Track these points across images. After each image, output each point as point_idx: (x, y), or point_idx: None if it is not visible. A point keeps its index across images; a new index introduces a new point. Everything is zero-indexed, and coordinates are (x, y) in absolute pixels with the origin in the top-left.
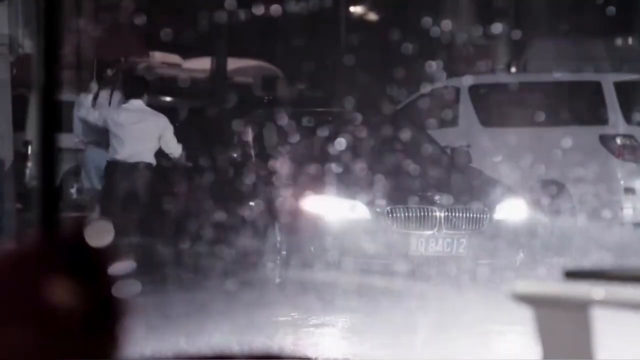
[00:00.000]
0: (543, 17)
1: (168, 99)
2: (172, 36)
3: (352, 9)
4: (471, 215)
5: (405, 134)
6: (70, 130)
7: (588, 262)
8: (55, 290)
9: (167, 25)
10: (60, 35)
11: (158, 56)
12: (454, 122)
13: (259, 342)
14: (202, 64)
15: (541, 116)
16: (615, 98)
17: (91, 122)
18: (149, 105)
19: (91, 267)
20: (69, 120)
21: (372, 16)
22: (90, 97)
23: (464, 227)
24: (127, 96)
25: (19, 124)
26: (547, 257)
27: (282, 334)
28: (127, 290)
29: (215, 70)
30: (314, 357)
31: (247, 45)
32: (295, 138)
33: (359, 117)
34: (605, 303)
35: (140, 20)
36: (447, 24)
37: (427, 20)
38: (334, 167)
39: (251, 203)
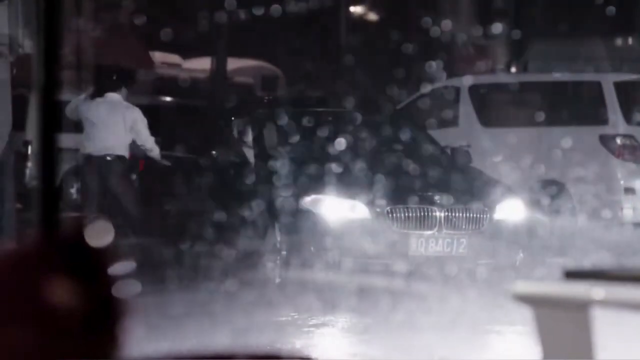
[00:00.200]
0: (543, 17)
1: (168, 98)
2: (172, 36)
3: (352, 9)
4: (471, 215)
5: (405, 134)
6: (70, 130)
7: (588, 262)
8: (55, 290)
9: (167, 25)
10: (60, 35)
11: (158, 56)
12: (454, 122)
13: (259, 342)
14: (202, 64)
15: (541, 116)
16: (615, 98)
17: (67, 116)
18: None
19: (91, 267)
20: (69, 120)
21: (372, 16)
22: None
23: (464, 227)
24: (104, 90)
25: (19, 124)
26: (547, 257)
27: (282, 334)
28: (127, 290)
29: (215, 70)
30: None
31: (247, 45)
32: (295, 138)
33: (359, 117)
34: (605, 303)
35: (140, 20)
36: (447, 24)
37: (427, 20)
38: (334, 167)
39: (251, 203)
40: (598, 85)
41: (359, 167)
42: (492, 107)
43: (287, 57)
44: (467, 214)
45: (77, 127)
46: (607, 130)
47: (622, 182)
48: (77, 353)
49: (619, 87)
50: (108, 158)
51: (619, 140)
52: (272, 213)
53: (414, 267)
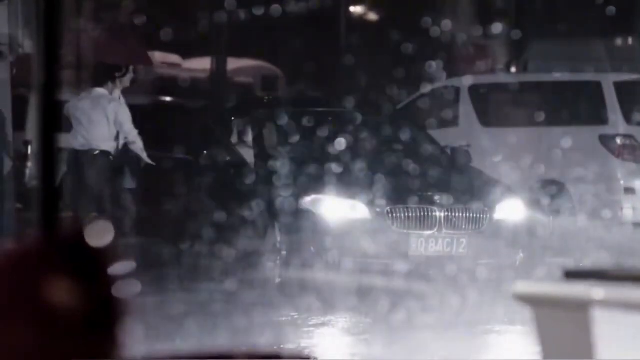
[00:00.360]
0: (543, 17)
1: (168, 98)
2: (172, 36)
3: (352, 9)
4: (471, 215)
5: (405, 134)
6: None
7: (588, 262)
8: (56, 290)
9: (167, 25)
10: (60, 35)
11: (158, 56)
12: (454, 122)
13: (259, 342)
14: (202, 64)
15: (541, 116)
16: (615, 98)
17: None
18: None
19: (91, 267)
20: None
21: (372, 16)
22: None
23: (464, 227)
24: (90, 85)
25: (19, 124)
26: (547, 257)
27: (282, 334)
28: (127, 290)
29: (215, 70)
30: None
31: (247, 45)
32: (295, 138)
33: (359, 117)
34: (605, 303)
35: (140, 20)
36: (447, 24)
37: (427, 20)
38: (334, 167)
39: (251, 203)
40: (598, 85)
41: (359, 167)
42: (492, 107)
43: (287, 57)
44: (467, 214)
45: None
46: (607, 130)
47: (622, 182)
48: (77, 353)
49: (619, 87)
50: (92, 153)
51: (619, 140)
52: (272, 213)
53: (414, 267)
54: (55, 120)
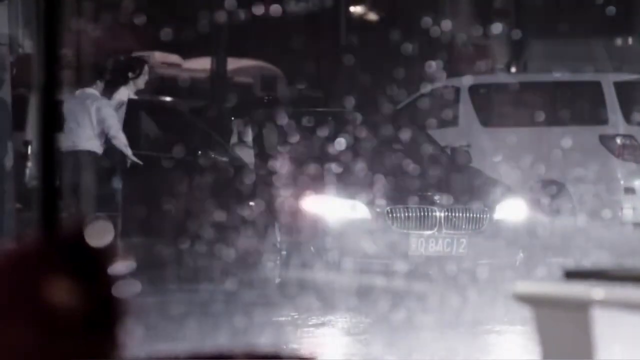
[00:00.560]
0: (543, 17)
1: (168, 98)
2: (172, 36)
3: (352, 9)
4: (471, 215)
5: (405, 134)
6: None
7: (588, 262)
8: (56, 290)
9: (167, 25)
10: (60, 35)
11: (158, 56)
12: (454, 122)
13: (259, 342)
14: (202, 64)
15: (541, 116)
16: (615, 98)
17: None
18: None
19: (91, 267)
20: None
21: (372, 16)
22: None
23: (464, 227)
24: (81, 85)
25: (19, 124)
26: (547, 257)
27: (282, 334)
28: (127, 290)
29: (215, 70)
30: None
31: (247, 45)
32: (295, 138)
33: (359, 117)
34: (605, 303)
35: (140, 20)
36: (447, 24)
37: (427, 20)
38: (334, 167)
39: (250, 203)
40: (598, 85)
41: (359, 167)
42: (492, 107)
43: (287, 57)
44: (467, 214)
45: None
46: (607, 130)
47: (622, 182)
48: (77, 353)
49: (619, 87)
50: (76, 152)
51: (619, 140)
52: (272, 213)
53: (414, 267)
54: (55, 120)
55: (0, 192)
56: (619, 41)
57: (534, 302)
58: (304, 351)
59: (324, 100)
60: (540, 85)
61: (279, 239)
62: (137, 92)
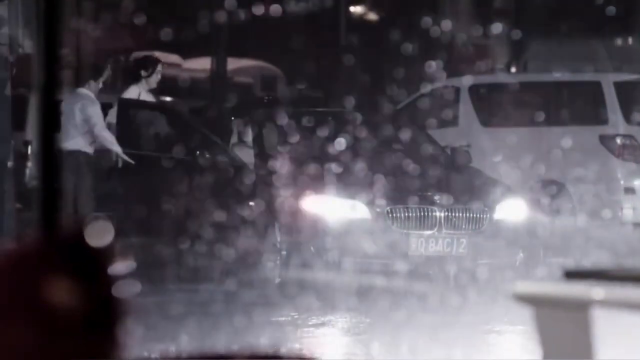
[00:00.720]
0: (543, 17)
1: (168, 98)
2: (172, 36)
3: (352, 9)
4: (471, 215)
5: (405, 134)
6: None
7: (588, 262)
8: (56, 290)
9: (167, 25)
10: (60, 35)
11: (158, 56)
12: (454, 122)
13: (259, 342)
14: (202, 64)
15: (541, 116)
16: (615, 98)
17: None
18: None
19: (91, 267)
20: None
21: (372, 16)
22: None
23: (464, 227)
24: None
25: (19, 124)
26: (547, 257)
27: (282, 334)
28: (127, 290)
29: (215, 70)
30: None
31: (247, 45)
32: (295, 138)
33: (359, 117)
34: (605, 303)
35: (140, 20)
36: (447, 24)
37: (427, 20)
38: (334, 167)
39: (250, 203)
40: (598, 85)
41: (359, 167)
42: (492, 107)
43: (287, 57)
44: (467, 214)
45: None
46: (607, 130)
47: (622, 182)
48: (77, 353)
49: (619, 87)
50: (71, 153)
51: (619, 140)
52: (272, 213)
53: (414, 267)
54: (55, 120)
55: (0, 192)
56: (619, 41)
57: (534, 302)
58: (304, 351)
59: (324, 100)
60: (540, 85)
61: (279, 239)
62: (150, 91)
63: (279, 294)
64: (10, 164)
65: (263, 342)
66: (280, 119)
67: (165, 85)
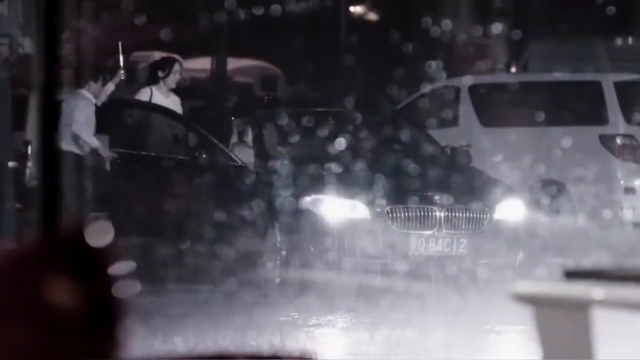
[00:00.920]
0: (543, 17)
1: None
2: (172, 36)
3: (352, 9)
4: (471, 215)
5: (405, 134)
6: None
7: (588, 262)
8: (56, 290)
9: (167, 25)
10: (60, 35)
11: (158, 56)
12: (454, 122)
13: (259, 342)
14: (202, 64)
15: (541, 116)
16: (615, 98)
17: None
18: None
19: (91, 267)
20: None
21: (372, 16)
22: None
23: (464, 227)
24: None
25: (19, 124)
26: (547, 257)
27: (282, 334)
28: (127, 290)
29: (215, 70)
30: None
31: (247, 45)
32: (295, 138)
33: (359, 117)
34: (605, 303)
35: (140, 20)
36: (447, 24)
37: (427, 20)
38: (334, 167)
39: (250, 203)
40: (598, 85)
41: (359, 167)
42: (492, 107)
43: (287, 57)
44: (467, 214)
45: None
46: (607, 130)
47: (622, 182)
48: (77, 353)
49: (619, 87)
50: (64, 153)
51: (619, 140)
52: (272, 213)
53: (414, 267)
54: (55, 120)
55: (1, 192)
56: (619, 41)
57: (534, 302)
58: (304, 351)
59: (324, 100)
60: (540, 85)
61: (279, 239)
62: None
63: (279, 294)
64: (11, 164)
65: (263, 342)
66: (280, 119)
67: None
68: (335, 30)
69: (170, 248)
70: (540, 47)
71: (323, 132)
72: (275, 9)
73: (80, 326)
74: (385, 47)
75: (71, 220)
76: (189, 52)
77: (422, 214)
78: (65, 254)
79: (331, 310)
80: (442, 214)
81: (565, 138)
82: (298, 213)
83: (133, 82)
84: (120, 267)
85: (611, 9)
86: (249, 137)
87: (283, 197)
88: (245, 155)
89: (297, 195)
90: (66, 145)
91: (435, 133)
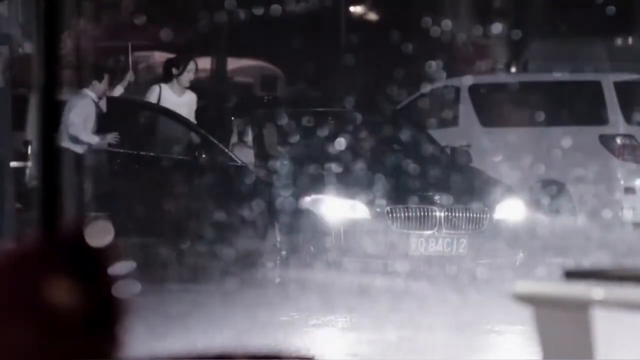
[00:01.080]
0: (543, 17)
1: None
2: (172, 36)
3: (352, 9)
4: (471, 215)
5: (405, 134)
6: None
7: (588, 262)
8: (55, 290)
9: (167, 25)
10: (60, 35)
11: (158, 56)
12: (454, 122)
13: (259, 342)
14: (202, 64)
15: (541, 116)
16: (615, 98)
17: None
18: None
19: (91, 267)
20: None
21: (372, 16)
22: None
23: (464, 227)
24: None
25: (19, 124)
26: (547, 257)
27: (282, 334)
28: (127, 290)
29: (215, 70)
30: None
31: (247, 45)
32: (295, 138)
33: (359, 117)
34: (605, 303)
35: (140, 20)
36: (447, 24)
37: (427, 20)
38: (334, 167)
39: (250, 203)
40: (598, 85)
41: (359, 167)
42: (492, 107)
43: (287, 57)
44: (467, 214)
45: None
46: (607, 130)
47: (622, 182)
48: (77, 353)
49: (619, 87)
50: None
51: (619, 140)
52: (272, 213)
53: (414, 267)
54: (55, 120)
55: (1, 192)
56: (619, 41)
57: (534, 302)
58: (304, 351)
59: (324, 100)
60: (540, 85)
61: (279, 239)
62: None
63: (279, 294)
64: (13, 164)
65: (263, 342)
66: (280, 119)
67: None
68: (335, 30)
69: (170, 248)
70: (540, 47)
71: (323, 132)
72: (275, 9)
73: (80, 326)
74: (385, 47)
75: (71, 220)
76: (189, 52)
77: (422, 214)
78: (65, 254)
79: (331, 310)
80: (442, 214)
81: (565, 138)
82: (298, 213)
83: (135, 82)
84: (120, 267)
85: (611, 9)
86: (249, 137)
87: (283, 197)
88: (245, 155)
89: (297, 195)
90: (66, 143)
91: (435, 133)
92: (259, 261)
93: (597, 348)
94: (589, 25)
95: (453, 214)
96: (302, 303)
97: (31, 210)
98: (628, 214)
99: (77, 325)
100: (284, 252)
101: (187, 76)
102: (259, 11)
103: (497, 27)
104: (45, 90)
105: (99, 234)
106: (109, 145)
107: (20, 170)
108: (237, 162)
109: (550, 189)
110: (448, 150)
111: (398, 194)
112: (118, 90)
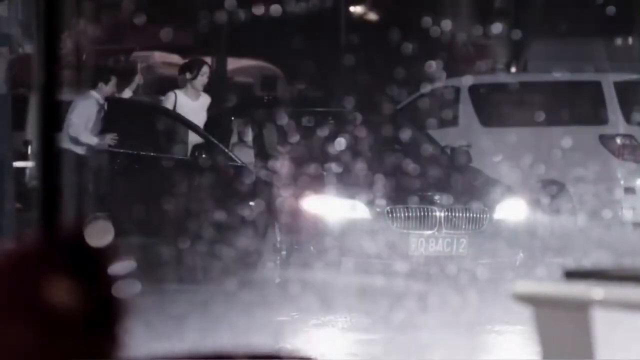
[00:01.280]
0: (543, 17)
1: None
2: (172, 36)
3: (352, 9)
4: (471, 215)
5: (405, 134)
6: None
7: (588, 262)
8: (56, 290)
9: (167, 25)
10: (60, 35)
11: (158, 56)
12: (454, 122)
13: (259, 342)
14: None
15: (541, 116)
16: (615, 98)
17: None
18: None
19: (91, 267)
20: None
21: (372, 16)
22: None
23: (464, 227)
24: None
25: (19, 124)
26: (547, 257)
27: (282, 334)
28: (127, 290)
29: (215, 70)
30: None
31: (247, 45)
32: (295, 138)
33: (359, 117)
34: (605, 303)
35: (140, 20)
36: (447, 24)
37: (427, 20)
38: (334, 167)
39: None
40: (598, 85)
41: (359, 167)
42: (492, 107)
43: (287, 57)
44: (467, 214)
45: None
46: (607, 130)
47: (622, 182)
48: (77, 353)
49: (619, 87)
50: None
51: (619, 140)
52: (272, 213)
53: (414, 267)
54: (55, 120)
55: (1, 192)
56: (619, 41)
57: (534, 302)
58: (304, 351)
59: (324, 100)
60: (540, 85)
61: (279, 239)
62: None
63: (279, 294)
64: (13, 164)
65: (263, 342)
66: (280, 119)
67: (165, 85)
68: (335, 30)
69: (170, 248)
70: (540, 47)
71: (323, 132)
72: (275, 9)
73: (80, 326)
74: (385, 47)
75: (71, 220)
76: (189, 52)
77: (422, 214)
78: (65, 254)
79: (331, 310)
80: (442, 214)
81: (565, 138)
82: (298, 213)
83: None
84: (120, 267)
85: (611, 9)
86: (249, 137)
87: (283, 197)
88: (245, 155)
89: (297, 195)
90: (67, 144)
91: (435, 133)
92: (259, 261)
93: (597, 348)
94: (589, 25)
95: (453, 214)
96: (302, 303)
97: (31, 210)
98: (628, 214)
99: (77, 325)
100: (284, 252)
101: (201, 80)
102: (259, 11)
103: (497, 27)
104: (45, 90)
105: (99, 234)
106: (108, 145)
107: (20, 170)
108: (237, 162)
109: (550, 189)
110: (448, 150)
111: (398, 194)
112: (126, 94)
